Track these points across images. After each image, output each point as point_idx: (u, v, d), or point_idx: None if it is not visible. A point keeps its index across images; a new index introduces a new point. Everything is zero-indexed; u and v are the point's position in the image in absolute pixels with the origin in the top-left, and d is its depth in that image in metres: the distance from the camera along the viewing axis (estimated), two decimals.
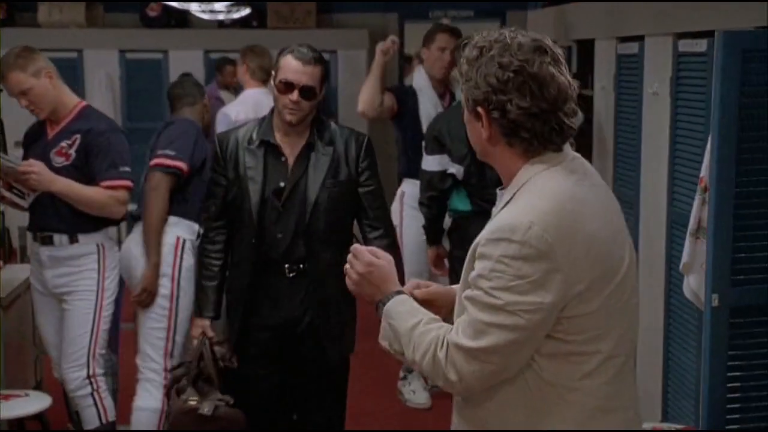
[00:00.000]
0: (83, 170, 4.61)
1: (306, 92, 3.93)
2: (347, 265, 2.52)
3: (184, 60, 10.12)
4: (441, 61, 5.76)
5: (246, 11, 8.53)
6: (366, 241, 4.08)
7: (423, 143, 5.35)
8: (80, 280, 4.66)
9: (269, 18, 10.58)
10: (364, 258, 2.49)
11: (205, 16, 8.50)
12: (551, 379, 2.23)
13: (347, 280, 2.53)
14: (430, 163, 5.24)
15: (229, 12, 8.45)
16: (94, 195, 4.56)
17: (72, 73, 9.99)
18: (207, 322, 4.19)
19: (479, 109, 2.27)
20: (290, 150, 4.05)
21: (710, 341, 3.66)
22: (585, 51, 6.22)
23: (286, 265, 4.05)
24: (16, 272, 5.44)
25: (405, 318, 2.38)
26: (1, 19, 10.08)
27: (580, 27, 6.22)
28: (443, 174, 5.19)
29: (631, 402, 2.34)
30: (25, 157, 4.70)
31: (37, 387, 5.52)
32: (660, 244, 4.74)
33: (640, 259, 4.86)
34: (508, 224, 2.19)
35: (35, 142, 4.74)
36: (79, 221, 4.63)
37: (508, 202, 2.29)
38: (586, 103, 5.96)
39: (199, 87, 5.29)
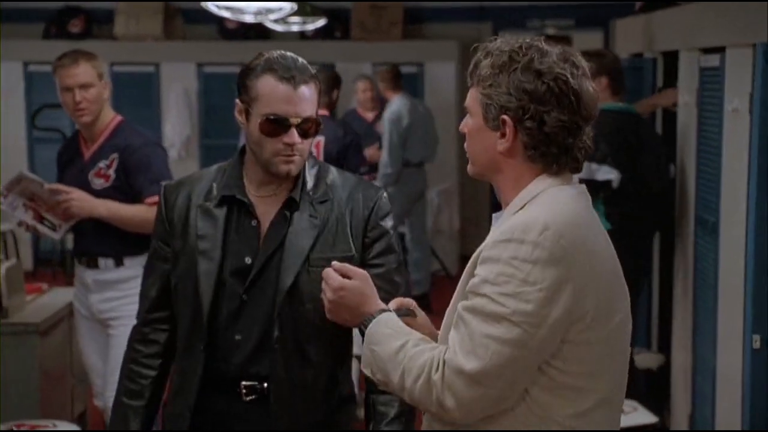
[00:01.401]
0: (124, 190, 4.50)
1: (307, 128, 2.75)
2: (324, 284, 2.35)
3: None
4: None
5: (322, 22, 8.26)
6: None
7: None
8: (126, 305, 4.46)
9: (353, 29, 10.37)
10: (333, 283, 2.33)
11: (279, 28, 8.26)
12: (541, 413, 2.09)
13: (325, 300, 2.36)
14: None
15: (304, 23, 8.19)
16: (139, 213, 4.42)
17: (148, 86, 9.98)
18: None
19: (504, 117, 2.10)
20: (264, 210, 2.82)
21: (750, 383, 3.53)
22: (671, 63, 5.86)
23: (243, 383, 2.78)
24: (58, 296, 5.34)
25: (389, 341, 2.18)
26: (78, 32, 10.08)
27: (664, 37, 5.89)
28: (589, 183, 4.90)
29: None
30: (61, 179, 4.64)
31: (81, 417, 5.39)
32: (739, 273, 4.36)
33: (718, 288, 4.55)
34: (520, 224, 2.04)
35: (71, 163, 4.65)
36: (125, 244, 4.50)
37: (515, 213, 2.12)
38: (671, 120, 5.66)
39: None
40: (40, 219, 4.50)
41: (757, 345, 4.10)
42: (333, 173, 2.88)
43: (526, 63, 2.11)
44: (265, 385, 2.75)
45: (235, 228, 2.80)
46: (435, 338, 2.29)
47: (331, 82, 7.06)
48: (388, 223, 2.85)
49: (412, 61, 10.03)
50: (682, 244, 5.31)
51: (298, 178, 2.81)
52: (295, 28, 8.51)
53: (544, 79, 2.10)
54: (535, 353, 2.04)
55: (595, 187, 5.04)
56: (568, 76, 2.11)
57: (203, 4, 6.02)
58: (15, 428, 4.45)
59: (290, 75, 2.69)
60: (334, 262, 2.40)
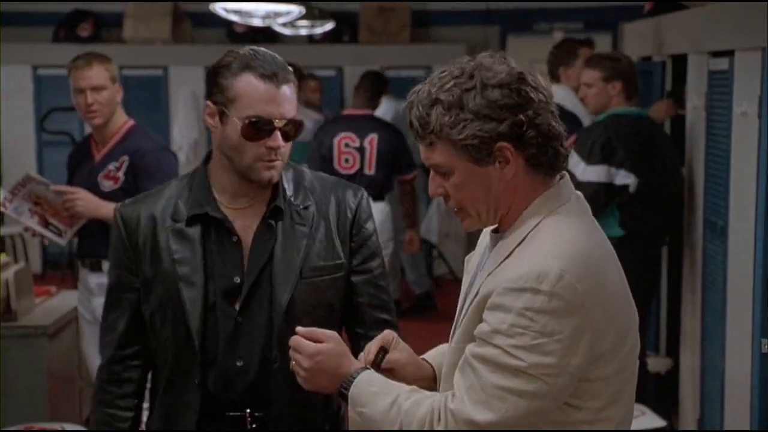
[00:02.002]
0: (132, 193, 4.39)
1: (289, 131, 2.53)
2: (292, 362, 2.16)
3: None
4: None
5: (330, 25, 8.26)
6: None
7: (575, 155, 4.99)
8: None
9: (361, 32, 10.35)
10: (308, 349, 2.14)
11: (287, 31, 8.26)
12: None
13: (297, 378, 2.17)
14: (593, 173, 4.91)
15: (312, 27, 8.19)
16: None
17: (157, 90, 9.97)
18: None
19: (501, 144, 1.95)
20: (243, 223, 2.59)
21: (759, 387, 3.49)
22: (680, 66, 5.85)
23: (248, 411, 2.58)
24: (67, 299, 5.32)
25: (378, 399, 2.03)
26: (87, 35, 10.08)
27: (673, 40, 5.87)
28: (609, 187, 4.88)
29: None
30: (71, 181, 4.63)
31: (89, 420, 5.35)
32: (748, 277, 4.34)
33: (727, 292, 4.54)
34: (534, 271, 1.88)
35: (81, 166, 4.66)
36: None
37: (517, 246, 1.98)
38: (680, 123, 5.64)
39: None
40: (46, 224, 4.49)
41: (765, 349, 4.06)
42: (309, 176, 2.69)
43: (480, 84, 1.96)
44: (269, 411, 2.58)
45: (214, 247, 2.57)
46: (422, 374, 2.19)
47: (378, 87, 7.12)
48: (371, 226, 2.69)
49: (420, 65, 10.01)
50: (691, 248, 5.29)
51: (277, 185, 2.60)
52: (303, 32, 8.52)
53: (508, 87, 1.96)
54: (554, 401, 1.94)
55: (612, 192, 5.02)
56: (521, 72, 1.99)
57: (212, 7, 6.03)
58: (24, 431, 4.44)
59: (272, 73, 2.47)
60: (299, 328, 2.21)
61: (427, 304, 8.40)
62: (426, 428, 1.96)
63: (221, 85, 2.50)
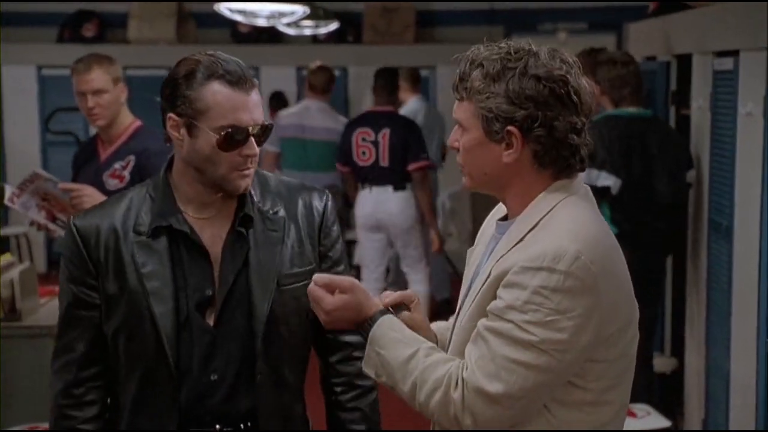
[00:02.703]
0: None
1: (261, 137, 2.44)
2: (313, 303, 2.22)
3: (277, 76, 9.97)
4: None
5: (334, 25, 8.27)
6: (328, 369, 2.66)
7: None
8: None
9: (365, 32, 10.35)
10: (326, 306, 2.21)
11: (292, 31, 8.27)
12: (559, 427, 2.07)
13: (319, 317, 2.23)
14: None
15: (316, 27, 8.19)
16: None
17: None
18: None
19: (511, 128, 2.03)
20: (211, 233, 2.48)
21: (764, 387, 3.50)
22: (685, 67, 5.84)
23: (217, 427, 2.48)
24: None
25: (398, 347, 2.11)
26: (91, 36, 10.09)
27: (678, 40, 5.86)
28: (592, 189, 4.92)
29: None
30: (76, 180, 4.62)
31: None
32: (753, 277, 4.35)
33: (732, 292, 4.54)
34: (550, 251, 1.97)
35: (87, 164, 4.64)
36: None
37: (530, 230, 2.06)
38: (685, 123, 5.62)
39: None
40: (53, 219, 4.49)
41: None
42: (273, 180, 2.59)
43: (522, 69, 2.04)
44: (249, 423, 2.48)
45: (183, 259, 2.45)
46: (432, 339, 2.26)
47: (392, 81, 7.38)
48: (336, 230, 2.61)
49: (424, 65, 10.01)
50: (696, 248, 5.29)
51: (244, 192, 2.49)
52: (307, 32, 8.53)
53: (544, 83, 2.04)
54: (560, 377, 2.02)
55: (595, 193, 5.00)
56: (566, 75, 2.06)
57: (216, 7, 6.03)
58: (28, 431, 4.44)
59: (239, 78, 2.37)
60: (317, 276, 2.22)
61: (448, 310, 8.24)
62: (441, 390, 2.03)
63: (187, 96, 2.36)
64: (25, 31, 10.04)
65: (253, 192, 2.50)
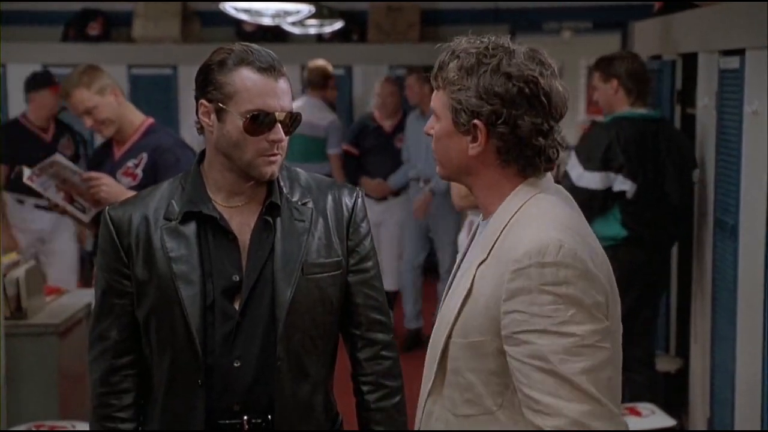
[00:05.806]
0: None
1: (289, 124, 2.50)
2: None
3: None
4: None
5: (339, 24, 8.27)
6: (355, 367, 2.66)
7: (574, 157, 5.05)
8: None
9: (370, 31, 10.34)
10: None
11: (297, 30, 8.28)
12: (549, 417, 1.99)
13: None
14: (590, 179, 4.93)
15: (321, 26, 8.20)
16: None
17: (166, 89, 9.96)
18: None
19: (477, 122, 2.05)
20: (240, 221, 2.54)
21: None
22: (690, 66, 5.84)
23: (245, 418, 2.51)
24: (77, 297, 5.33)
25: None
26: (96, 35, 10.09)
27: (683, 39, 5.86)
28: (606, 192, 4.91)
29: None
30: None
31: None
32: (759, 277, 4.34)
33: (737, 291, 4.52)
34: (533, 248, 1.96)
35: (101, 164, 4.64)
36: None
37: (503, 229, 2.06)
38: (690, 122, 5.61)
39: None
40: (71, 200, 4.48)
41: None
42: (303, 175, 2.64)
43: (495, 65, 2.05)
44: (269, 417, 2.50)
45: (211, 245, 2.50)
46: None
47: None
48: (366, 226, 2.64)
49: (429, 63, 9.96)
50: (701, 247, 5.28)
51: (273, 183, 2.55)
52: (312, 31, 8.54)
53: (514, 82, 2.04)
54: (615, 358, 2.02)
55: (610, 197, 5.01)
56: (538, 77, 2.06)
57: (221, 6, 6.03)
58: (34, 429, 4.45)
59: (269, 66, 2.45)
60: None
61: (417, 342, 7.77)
62: None
63: (217, 81, 2.45)
64: (29, 30, 10.03)
65: (282, 183, 2.56)
